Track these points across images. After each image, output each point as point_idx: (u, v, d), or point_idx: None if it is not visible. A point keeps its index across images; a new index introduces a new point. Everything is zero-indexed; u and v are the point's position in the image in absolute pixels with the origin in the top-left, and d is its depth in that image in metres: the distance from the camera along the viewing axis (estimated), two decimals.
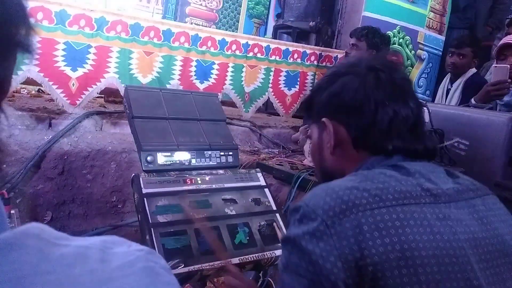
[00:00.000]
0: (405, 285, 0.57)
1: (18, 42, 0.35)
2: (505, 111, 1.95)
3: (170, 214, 1.23)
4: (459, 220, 0.65)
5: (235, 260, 1.21)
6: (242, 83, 2.78)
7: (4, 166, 1.85)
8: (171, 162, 1.38)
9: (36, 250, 0.33)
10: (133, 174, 1.29)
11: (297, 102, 3.10)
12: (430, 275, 0.59)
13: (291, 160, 2.17)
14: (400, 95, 0.74)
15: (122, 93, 2.09)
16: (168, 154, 1.38)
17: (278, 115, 3.11)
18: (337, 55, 3.25)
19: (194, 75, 2.57)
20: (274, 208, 1.43)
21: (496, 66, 2.04)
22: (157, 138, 1.39)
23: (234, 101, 2.81)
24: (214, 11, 4.45)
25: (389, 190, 0.64)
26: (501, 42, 2.15)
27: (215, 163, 1.47)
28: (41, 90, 2.65)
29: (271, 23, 4.69)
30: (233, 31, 4.36)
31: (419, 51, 4.04)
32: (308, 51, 3.09)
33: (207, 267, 1.16)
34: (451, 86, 2.71)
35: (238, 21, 4.60)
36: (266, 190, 1.47)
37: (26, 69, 1.99)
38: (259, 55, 2.82)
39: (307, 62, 3.10)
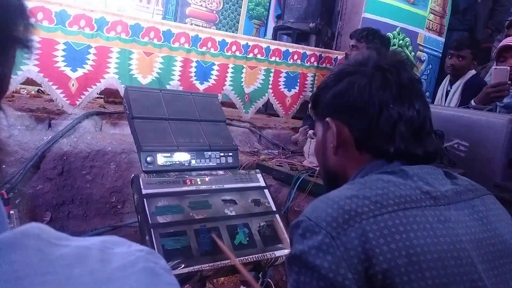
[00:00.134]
0: None
1: (17, 38, 0.35)
2: (505, 112, 1.95)
3: (170, 214, 1.23)
4: (459, 221, 0.65)
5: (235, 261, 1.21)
6: (242, 84, 2.79)
7: (4, 166, 1.85)
8: (171, 162, 1.38)
9: (36, 250, 0.32)
10: (133, 175, 1.29)
11: (297, 103, 3.10)
12: (437, 279, 0.58)
13: (291, 161, 2.17)
14: (406, 97, 0.72)
15: (122, 93, 2.09)
16: (168, 154, 1.38)
17: (278, 116, 3.11)
18: (337, 57, 3.25)
19: (194, 76, 2.57)
20: (274, 209, 1.43)
21: (496, 68, 2.04)
22: (157, 138, 1.39)
23: (234, 102, 2.81)
24: (214, 12, 4.45)
25: (389, 195, 0.63)
26: (501, 44, 2.15)
27: (215, 164, 1.47)
28: (41, 90, 2.65)
29: (271, 24, 4.69)
30: (233, 32, 4.37)
31: (419, 52, 4.05)
32: (308, 52, 3.09)
33: (207, 267, 1.16)
34: (451, 88, 2.71)
35: (238, 22, 4.60)
36: (266, 191, 1.47)
37: (26, 69, 1.99)
38: (259, 56, 2.82)
39: (307, 63, 3.10)
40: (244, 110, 2.84)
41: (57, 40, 2.07)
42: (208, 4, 4.40)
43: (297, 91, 3.08)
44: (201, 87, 2.60)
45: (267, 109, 3.41)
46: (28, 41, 0.37)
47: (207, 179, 1.39)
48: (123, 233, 2.04)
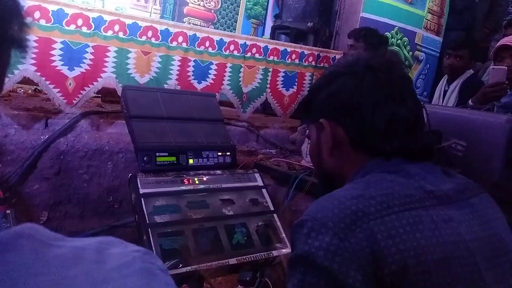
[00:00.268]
0: None
1: (11, 37, 0.35)
2: (503, 112, 1.95)
3: (167, 214, 1.23)
4: (462, 221, 0.65)
5: (233, 261, 1.21)
6: (240, 84, 2.78)
7: (0, 165, 1.84)
8: (168, 162, 1.38)
9: (31, 251, 0.32)
10: (130, 174, 1.29)
11: (295, 103, 3.10)
12: (443, 278, 0.58)
13: (289, 160, 2.17)
14: (398, 95, 0.73)
15: (119, 93, 2.08)
16: (166, 154, 1.38)
17: (276, 115, 3.11)
18: (335, 56, 3.25)
19: (192, 75, 2.56)
20: (272, 208, 1.43)
21: (493, 68, 2.04)
22: (155, 138, 1.38)
23: (232, 102, 2.80)
24: (212, 11, 4.45)
25: (394, 195, 0.63)
26: (499, 43, 2.16)
27: (213, 163, 1.47)
28: (38, 89, 2.64)
29: (269, 23, 4.69)
30: (231, 31, 4.36)
31: (416, 52, 4.06)
32: (306, 52, 3.09)
33: (204, 267, 1.16)
34: (448, 88, 2.72)
35: (236, 22, 4.60)
36: (264, 190, 1.47)
37: (23, 68, 1.98)
38: (257, 55, 2.82)
39: (305, 62, 3.10)
40: (242, 110, 2.83)
41: (54, 39, 2.06)
42: (206, 3, 4.39)
43: (295, 90, 3.08)
44: (199, 87, 2.60)
45: (265, 109, 3.40)
46: (23, 40, 0.36)
47: (205, 178, 1.39)
48: (120, 233, 2.03)
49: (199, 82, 2.60)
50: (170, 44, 2.43)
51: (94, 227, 2.05)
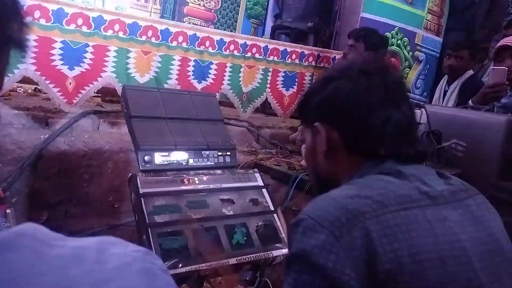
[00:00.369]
0: None
1: (10, 37, 0.35)
2: (503, 113, 1.95)
3: (167, 214, 1.23)
4: (456, 221, 0.66)
5: (233, 261, 1.21)
6: (240, 83, 2.78)
7: (0, 165, 1.84)
8: (168, 162, 1.38)
9: (32, 250, 0.32)
10: (130, 174, 1.29)
11: (295, 103, 3.10)
12: (438, 277, 0.59)
13: (289, 160, 2.17)
14: (392, 99, 0.74)
15: (119, 92, 2.08)
16: (166, 154, 1.38)
17: (276, 115, 3.11)
18: (335, 56, 3.25)
19: (192, 75, 2.56)
20: (272, 208, 1.43)
21: (493, 68, 2.05)
22: (155, 137, 1.38)
23: (232, 101, 2.80)
24: (212, 11, 4.44)
25: (390, 195, 0.64)
26: (499, 44, 2.16)
27: (213, 163, 1.47)
28: (38, 89, 2.63)
29: (269, 23, 4.68)
30: (231, 31, 4.36)
31: (416, 52, 4.05)
32: (306, 52, 3.09)
33: (204, 267, 1.16)
34: (448, 88, 2.72)
35: (236, 21, 4.59)
36: (264, 190, 1.47)
37: (23, 68, 1.98)
38: (257, 55, 2.82)
39: (305, 62, 3.10)
40: (242, 110, 2.83)
41: (54, 39, 2.06)
42: (206, 3, 4.39)
43: (295, 90, 3.08)
44: (199, 86, 2.59)
45: (265, 109, 3.40)
46: (22, 40, 0.36)
47: (205, 178, 1.39)
48: (120, 233, 2.03)
49: (199, 82, 2.60)
50: (170, 44, 2.43)
51: (94, 226, 2.05)
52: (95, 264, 0.33)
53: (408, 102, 0.77)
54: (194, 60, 2.55)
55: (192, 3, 4.31)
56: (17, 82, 2.17)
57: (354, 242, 0.59)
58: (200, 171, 1.41)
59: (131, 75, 2.32)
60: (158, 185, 1.28)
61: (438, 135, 1.56)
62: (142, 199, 1.22)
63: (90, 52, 2.17)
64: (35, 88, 2.71)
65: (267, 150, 2.63)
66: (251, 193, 1.43)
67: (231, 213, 1.34)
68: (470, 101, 2.06)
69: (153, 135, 1.39)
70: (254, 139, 2.83)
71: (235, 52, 2.71)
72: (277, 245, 1.32)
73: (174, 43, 2.45)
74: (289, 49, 2.99)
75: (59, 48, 2.08)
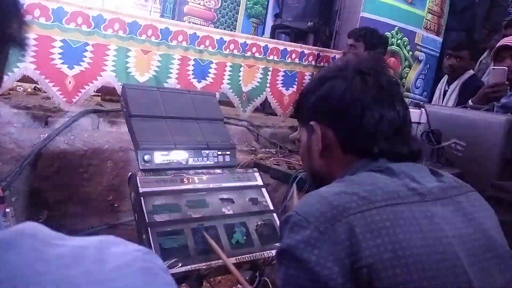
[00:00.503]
0: (399, 284, 0.58)
1: (10, 36, 0.35)
2: (502, 112, 1.95)
3: (167, 213, 1.23)
4: (445, 217, 0.67)
5: (232, 260, 1.21)
6: (239, 83, 2.78)
7: (0, 163, 1.84)
8: (168, 161, 1.38)
9: (32, 249, 0.32)
10: (130, 173, 1.29)
11: (295, 102, 3.10)
12: (422, 273, 0.60)
13: (289, 160, 2.17)
14: (386, 99, 0.75)
15: (119, 91, 2.08)
16: (166, 153, 1.38)
17: (276, 115, 3.11)
18: (335, 56, 3.25)
19: (192, 74, 2.56)
20: (271, 208, 1.43)
21: (493, 68, 2.04)
22: (155, 137, 1.38)
23: (231, 101, 2.80)
24: (213, 10, 4.44)
25: (376, 191, 0.65)
26: (499, 44, 2.16)
27: (213, 163, 1.47)
28: (37, 87, 2.63)
29: (269, 23, 4.68)
30: (231, 30, 4.36)
31: (416, 52, 4.05)
32: (306, 51, 3.09)
33: (204, 266, 1.16)
34: (448, 88, 2.72)
35: (236, 21, 4.59)
36: (263, 190, 1.47)
37: (23, 67, 1.98)
38: (257, 54, 2.82)
39: (305, 62, 3.10)
40: (241, 109, 2.83)
41: (54, 37, 2.05)
42: (206, 2, 4.39)
43: (295, 90, 3.08)
44: (199, 86, 2.59)
45: (265, 108, 3.40)
46: (22, 39, 0.36)
47: (204, 177, 1.39)
48: (120, 232, 2.03)
49: (199, 81, 2.60)
50: (170, 43, 2.43)
51: (94, 226, 2.05)
52: (95, 264, 0.33)
53: (402, 102, 0.78)
54: (194, 59, 2.55)
55: (192, 2, 4.30)
56: (16, 81, 2.17)
57: (338, 236, 0.60)
58: (200, 171, 1.41)
59: (131, 74, 2.32)
60: (158, 184, 1.28)
61: (437, 135, 1.56)
62: (141, 198, 1.22)
63: (90, 51, 2.17)
64: (35, 87, 2.71)
65: (267, 150, 2.63)
66: (251, 193, 1.43)
67: (230, 212, 1.34)
68: (470, 101, 2.06)
69: (152, 134, 1.38)
70: (254, 139, 2.83)
71: (235, 52, 2.71)
72: (277, 244, 1.32)
73: (174, 42, 2.44)
74: (289, 49, 2.99)
75: (58, 47, 2.08)
